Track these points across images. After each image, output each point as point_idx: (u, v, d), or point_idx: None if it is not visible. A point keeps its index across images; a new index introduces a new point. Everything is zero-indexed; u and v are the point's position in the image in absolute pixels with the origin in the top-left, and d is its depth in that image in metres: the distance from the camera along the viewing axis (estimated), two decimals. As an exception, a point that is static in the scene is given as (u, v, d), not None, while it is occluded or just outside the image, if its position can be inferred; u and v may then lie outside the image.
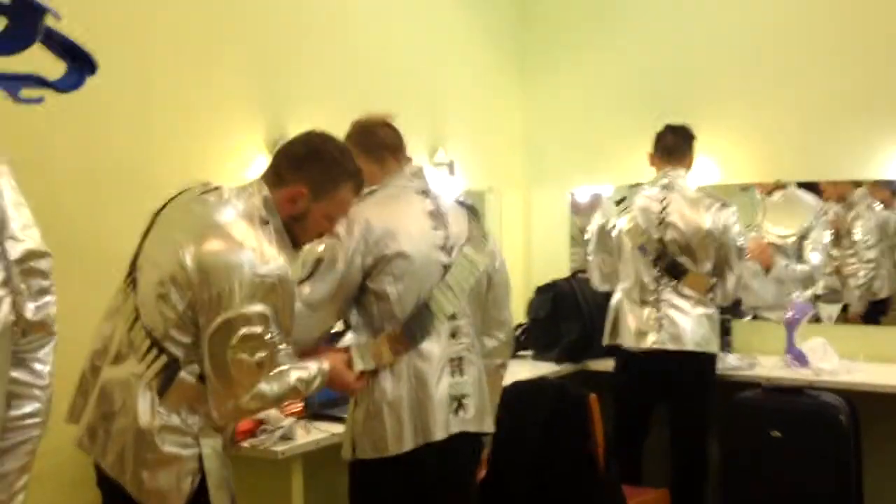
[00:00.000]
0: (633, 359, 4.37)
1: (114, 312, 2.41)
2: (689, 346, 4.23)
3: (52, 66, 1.61)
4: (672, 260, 4.30)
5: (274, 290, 2.23)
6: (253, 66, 3.98)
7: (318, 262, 2.61)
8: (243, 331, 2.19)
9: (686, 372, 4.29)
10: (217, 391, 2.24)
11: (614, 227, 4.47)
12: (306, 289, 2.59)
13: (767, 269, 4.95)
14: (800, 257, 5.02)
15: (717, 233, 4.27)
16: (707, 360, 4.33)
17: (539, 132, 5.68)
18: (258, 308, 2.20)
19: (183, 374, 2.24)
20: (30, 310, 1.59)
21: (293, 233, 2.42)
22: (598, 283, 4.61)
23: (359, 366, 2.62)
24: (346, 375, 2.59)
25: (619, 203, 4.52)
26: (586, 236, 4.75)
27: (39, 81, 1.53)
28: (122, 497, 2.28)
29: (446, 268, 2.73)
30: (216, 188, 2.41)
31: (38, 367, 1.63)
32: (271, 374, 2.31)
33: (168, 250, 2.26)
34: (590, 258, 4.64)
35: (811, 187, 4.95)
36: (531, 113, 5.69)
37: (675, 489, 4.27)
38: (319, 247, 2.61)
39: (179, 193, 2.46)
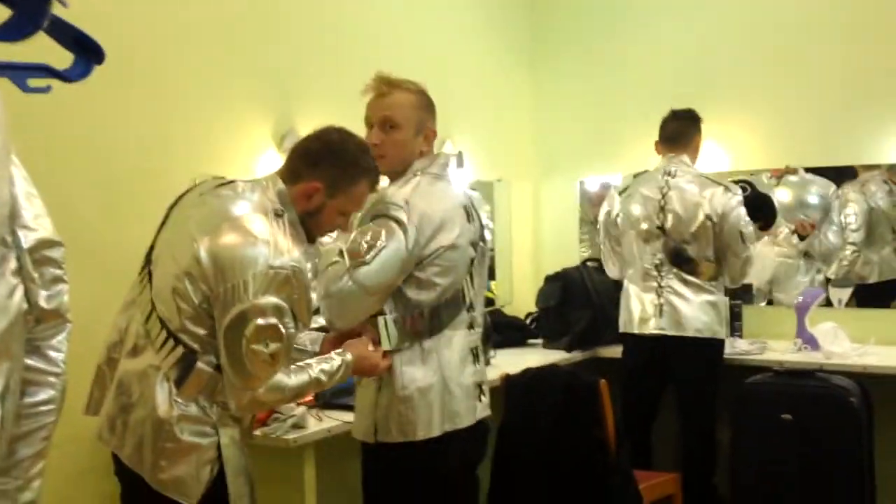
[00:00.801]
0: (637, 344, 4.42)
1: (129, 305, 2.44)
2: (690, 333, 4.28)
3: (61, 57, 1.62)
4: (675, 247, 4.32)
5: (288, 282, 2.24)
6: (261, 60, 3.99)
7: (381, 247, 2.56)
8: (258, 321, 2.20)
9: (689, 357, 4.33)
10: (234, 384, 2.25)
11: (619, 215, 4.51)
12: (365, 273, 2.54)
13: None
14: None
15: (716, 217, 4.28)
16: (710, 345, 4.36)
17: (548, 122, 5.67)
18: (272, 300, 2.21)
19: (200, 364, 2.26)
20: (43, 298, 1.60)
21: (307, 227, 2.43)
22: (612, 272, 4.67)
23: (386, 345, 2.62)
24: (372, 359, 2.59)
25: (622, 192, 4.56)
26: (599, 226, 4.78)
27: (47, 71, 1.54)
28: (141, 488, 2.30)
29: (472, 261, 2.77)
30: (230, 182, 2.42)
31: (52, 354, 1.64)
32: (293, 367, 2.34)
33: (183, 244, 2.28)
34: (602, 248, 4.71)
35: (846, 170, 4.90)
36: (540, 103, 5.69)
37: (685, 473, 4.30)
38: (381, 232, 2.57)
39: (192, 187, 2.49)
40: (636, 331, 4.41)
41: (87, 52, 1.58)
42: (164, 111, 3.57)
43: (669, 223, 4.33)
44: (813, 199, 4.98)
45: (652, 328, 4.34)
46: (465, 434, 2.72)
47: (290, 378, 2.32)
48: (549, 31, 5.64)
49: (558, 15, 5.63)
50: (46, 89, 1.53)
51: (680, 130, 4.46)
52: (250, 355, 2.21)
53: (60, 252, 1.65)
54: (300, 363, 2.41)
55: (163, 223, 2.45)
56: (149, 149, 3.50)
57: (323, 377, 2.42)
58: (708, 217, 4.29)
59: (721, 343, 4.40)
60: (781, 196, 4.96)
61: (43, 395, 1.62)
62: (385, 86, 2.78)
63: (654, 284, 4.36)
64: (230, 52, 3.86)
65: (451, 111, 4.98)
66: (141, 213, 3.35)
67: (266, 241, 2.24)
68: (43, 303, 1.60)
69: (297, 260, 2.28)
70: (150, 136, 3.52)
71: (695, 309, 4.29)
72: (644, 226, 4.39)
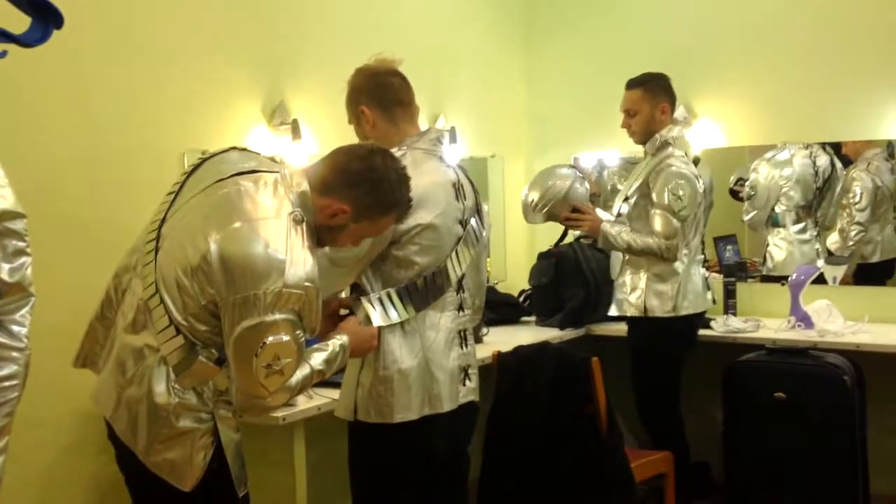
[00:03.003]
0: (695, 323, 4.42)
1: (129, 268, 2.36)
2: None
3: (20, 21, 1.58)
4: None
5: (300, 299, 2.18)
6: (252, 33, 3.95)
7: None
8: (268, 339, 2.15)
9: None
10: (242, 389, 2.22)
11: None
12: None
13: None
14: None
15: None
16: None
17: (542, 97, 5.63)
18: (284, 315, 2.16)
19: (202, 358, 2.22)
20: (5, 271, 1.56)
21: (321, 236, 2.35)
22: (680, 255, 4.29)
23: (396, 318, 2.59)
24: (368, 335, 2.55)
25: (696, 163, 4.39)
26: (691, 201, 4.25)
27: (2, 35, 1.50)
28: (134, 458, 2.28)
29: (458, 239, 2.72)
30: (253, 171, 2.30)
31: (15, 328, 1.60)
32: None
33: (194, 235, 2.20)
34: (683, 226, 4.20)
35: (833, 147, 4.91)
36: (534, 78, 5.65)
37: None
38: None
39: (215, 154, 2.41)
40: (705, 308, 4.42)
41: (44, 16, 1.52)
42: (152, 84, 3.54)
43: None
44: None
45: (712, 302, 4.48)
46: (446, 418, 2.69)
47: (293, 377, 2.28)
48: (544, 7, 5.59)
49: (553, -10, 5.59)
50: (2, 54, 1.48)
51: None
52: (260, 371, 2.17)
53: (23, 224, 1.61)
54: None
55: (177, 193, 2.35)
56: (137, 122, 3.47)
57: (324, 367, 2.39)
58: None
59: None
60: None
61: (6, 370, 1.59)
62: None
63: (704, 260, 4.50)
64: (220, 25, 3.82)
65: (444, 86, 4.97)
66: (127, 189, 3.35)
67: (279, 249, 2.15)
68: (5, 276, 1.56)
69: (311, 277, 2.19)
70: (138, 110, 3.48)
71: None
72: (706, 201, 4.46)
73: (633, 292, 4.31)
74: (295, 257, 2.17)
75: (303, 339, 2.23)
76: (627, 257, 4.35)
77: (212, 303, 2.18)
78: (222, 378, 2.26)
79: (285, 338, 2.17)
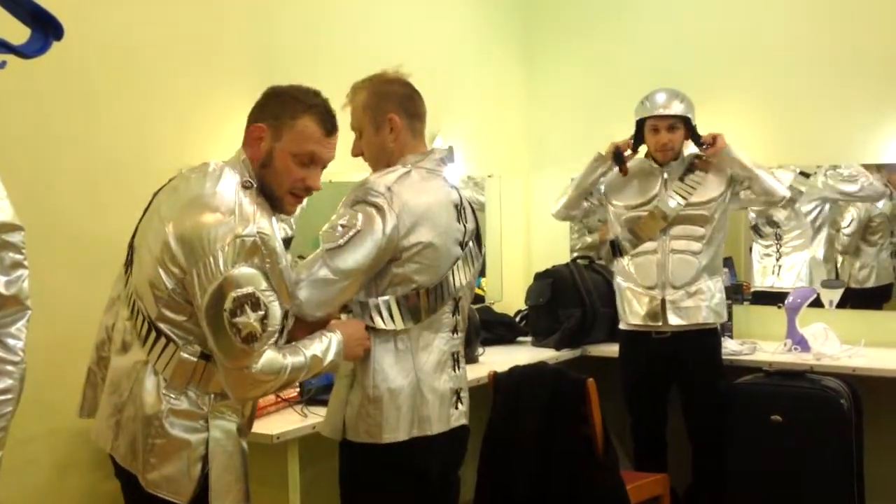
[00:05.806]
0: None
1: (115, 301, 2.41)
2: None
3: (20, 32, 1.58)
4: None
5: (256, 249, 2.21)
6: (247, 49, 3.95)
7: (356, 231, 2.50)
8: (234, 293, 2.16)
9: None
10: (228, 368, 2.22)
11: None
12: (340, 256, 2.49)
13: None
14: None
15: None
16: None
17: (541, 117, 5.63)
18: (244, 269, 2.18)
19: (183, 354, 2.23)
20: (1, 283, 1.56)
21: (269, 188, 2.36)
22: None
23: (392, 325, 2.57)
24: (361, 334, 2.53)
25: None
26: None
27: (2, 46, 1.49)
28: (137, 487, 2.27)
29: (456, 260, 2.70)
30: (203, 164, 2.39)
31: (10, 342, 1.60)
32: (286, 347, 2.31)
33: (156, 231, 2.26)
34: None
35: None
36: (533, 98, 5.65)
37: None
38: (357, 216, 2.53)
39: (175, 176, 2.46)
40: None
41: (44, 27, 1.52)
42: (150, 99, 3.54)
43: None
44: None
45: None
46: (436, 440, 2.65)
47: (285, 358, 2.28)
48: (542, 26, 5.61)
49: (551, 9, 5.60)
50: (1, 65, 1.48)
51: None
52: (234, 329, 2.17)
53: (20, 237, 1.60)
54: (290, 345, 2.36)
55: (144, 211, 2.42)
56: (132, 137, 3.47)
57: (319, 354, 2.37)
58: None
59: None
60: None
61: (1, 383, 1.58)
62: (349, 94, 2.73)
63: None
64: (215, 40, 3.82)
65: (442, 105, 4.95)
66: (126, 207, 3.31)
67: (231, 211, 2.21)
68: (2, 288, 1.56)
69: (263, 227, 2.24)
70: (137, 124, 3.49)
71: None
72: None
73: (714, 298, 4.24)
74: (244, 211, 2.22)
75: (271, 297, 2.22)
76: (705, 263, 4.25)
77: (178, 285, 2.21)
78: (213, 377, 2.25)
79: (249, 289, 2.18)
